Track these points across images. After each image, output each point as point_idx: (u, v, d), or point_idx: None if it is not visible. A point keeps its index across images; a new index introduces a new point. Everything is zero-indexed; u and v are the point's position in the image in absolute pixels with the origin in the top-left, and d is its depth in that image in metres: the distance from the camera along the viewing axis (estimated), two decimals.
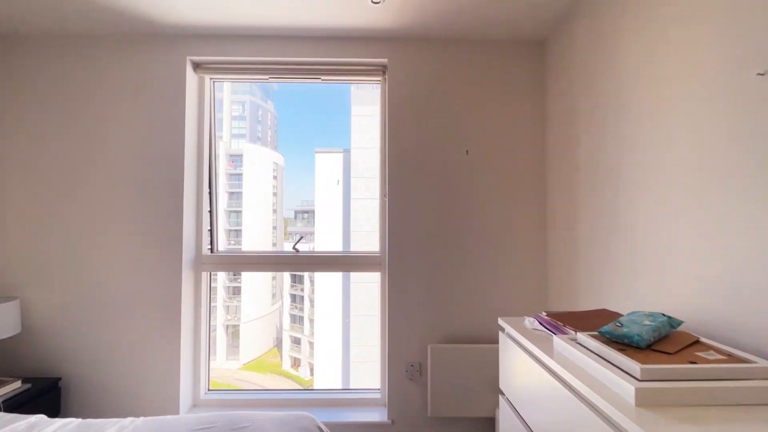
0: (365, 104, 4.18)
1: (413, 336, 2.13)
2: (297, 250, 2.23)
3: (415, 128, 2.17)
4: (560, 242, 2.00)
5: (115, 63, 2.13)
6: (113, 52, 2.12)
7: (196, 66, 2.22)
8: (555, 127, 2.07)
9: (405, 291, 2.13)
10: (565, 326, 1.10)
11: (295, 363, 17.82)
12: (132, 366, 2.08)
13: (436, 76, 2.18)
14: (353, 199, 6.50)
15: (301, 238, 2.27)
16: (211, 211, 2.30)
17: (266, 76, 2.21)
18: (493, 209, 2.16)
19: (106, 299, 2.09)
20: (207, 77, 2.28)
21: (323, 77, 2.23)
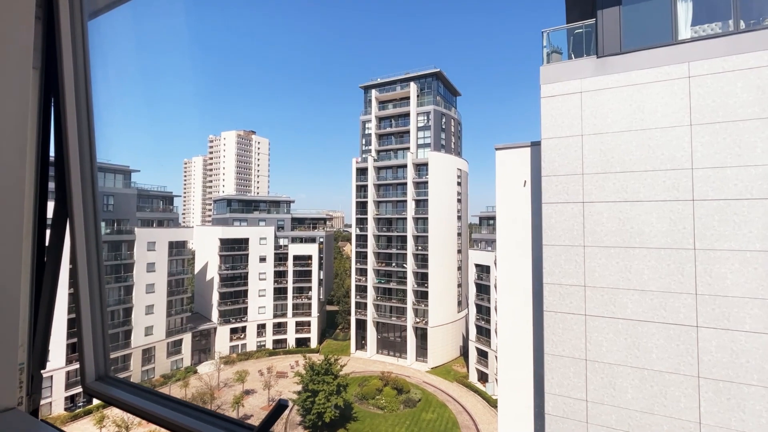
0: (559, 81, 3.28)
1: None
2: None
3: None
4: None
5: None
6: None
7: None
8: None
9: None
10: None
11: (482, 377, 17.65)
12: None
13: None
14: (546, 204, 5.30)
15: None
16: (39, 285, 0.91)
17: None
18: None
19: None
20: None
21: None
